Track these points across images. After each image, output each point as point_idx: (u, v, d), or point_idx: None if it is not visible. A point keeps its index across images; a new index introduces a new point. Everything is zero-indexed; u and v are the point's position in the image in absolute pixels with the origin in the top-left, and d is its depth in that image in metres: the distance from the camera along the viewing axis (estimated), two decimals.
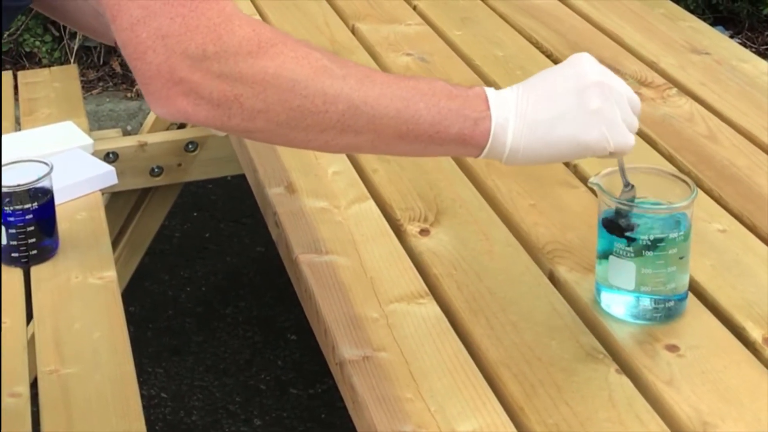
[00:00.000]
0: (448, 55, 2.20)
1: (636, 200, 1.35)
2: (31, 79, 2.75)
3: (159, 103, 1.09)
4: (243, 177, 1.99)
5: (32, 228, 1.87)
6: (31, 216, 1.86)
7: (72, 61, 3.98)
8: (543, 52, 2.22)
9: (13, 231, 1.86)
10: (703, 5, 4.32)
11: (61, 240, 1.94)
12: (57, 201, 1.93)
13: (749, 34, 4.40)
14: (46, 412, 1.61)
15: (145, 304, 2.97)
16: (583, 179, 1.71)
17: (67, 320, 1.79)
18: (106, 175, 2.17)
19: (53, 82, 2.72)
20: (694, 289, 1.44)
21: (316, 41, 2.24)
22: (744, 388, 1.28)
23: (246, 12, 2.36)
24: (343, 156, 1.80)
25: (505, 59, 2.18)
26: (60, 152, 2.22)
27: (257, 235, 3.22)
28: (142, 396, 1.67)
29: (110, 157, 2.55)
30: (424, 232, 1.60)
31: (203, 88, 1.08)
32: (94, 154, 2.29)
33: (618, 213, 1.34)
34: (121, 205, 2.70)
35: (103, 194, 2.18)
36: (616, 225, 1.34)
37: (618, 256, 1.35)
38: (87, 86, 4.01)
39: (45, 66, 3.88)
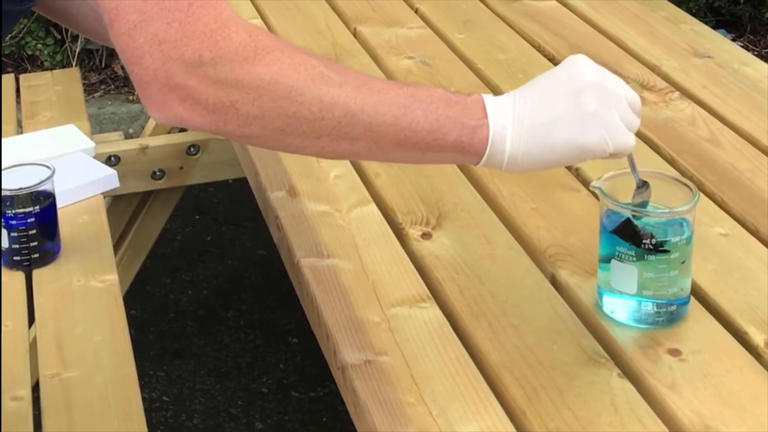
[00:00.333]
0: (450, 59, 2.20)
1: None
2: (33, 82, 2.75)
3: (155, 108, 1.09)
4: (244, 180, 1.99)
5: (34, 231, 1.87)
6: (32, 219, 1.86)
7: (74, 64, 3.99)
8: (545, 56, 2.21)
9: (15, 234, 1.86)
10: (705, 8, 4.32)
11: (63, 243, 1.94)
12: (59, 204, 1.93)
13: (751, 37, 4.40)
14: (48, 416, 1.61)
15: (147, 307, 2.97)
16: (585, 183, 1.71)
17: (68, 323, 1.78)
18: (108, 178, 2.17)
19: (55, 85, 2.72)
20: (697, 293, 1.44)
21: (317, 44, 2.25)
22: (746, 392, 1.27)
23: (248, 15, 2.39)
24: (345, 160, 1.80)
25: (508, 63, 2.18)
26: (62, 155, 2.22)
27: (259, 239, 3.22)
28: (144, 399, 1.67)
29: (112, 160, 2.55)
30: (425, 235, 1.60)
31: (199, 94, 1.08)
32: (96, 157, 2.29)
33: (633, 219, 1.33)
34: (123, 209, 2.70)
35: (104, 197, 2.18)
36: (632, 232, 1.33)
37: (620, 260, 1.35)
38: (89, 89, 4.01)
39: (47, 69, 3.88)
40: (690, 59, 2.19)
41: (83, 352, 1.73)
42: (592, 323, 1.39)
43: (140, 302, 2.95)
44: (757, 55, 3.66)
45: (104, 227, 2.03)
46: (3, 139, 2.30)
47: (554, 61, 2.18)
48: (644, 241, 1.33)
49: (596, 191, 1.37)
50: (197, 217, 3.40)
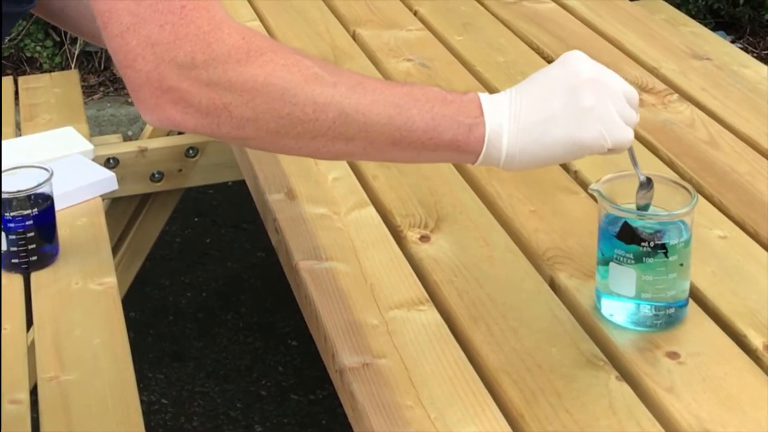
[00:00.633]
0: (449, 61, 2.20)
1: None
2: (32, 84, 2.75)
3: (148, 111, 1.09)
4: (244, 182, 1.98)
5: (32, 234, 1.87)
6: (31, 222, 1.86)
7: (73, 66, 3.99)
8: (544, 58, 2.21)
9: (14, 237, 1.86)
10: (704, 10, 4.32)
11: (62, 246, 1.94)
12: (57, 207, 1.93)
13: (751, 39, 4.39)
14: (46, 419, 1.61)
15: (146, 309, 2.97)
16: (584, 185, 1.70)
17: (67, 326, 1.78)
18: (107, 180, 2.17)
19: (54, 88, 2.72)
20: (695, 295, 1.44)
21: (316, 47, 2.25)
22: (745, 395, 1.27)
23: (246, 17, 2.39)
24: (343, 162, 1.80)
25: (507, 65, 2.18)
26: (60, 158, 2.22)
27: (258, 241, 3.22)
28: (143, 402, 1.67)
29: (111, 162, 2.55)
30: (424, 238, 1.60)
31: (192, 97, 1.07)
32: (95, 159, 2.29)
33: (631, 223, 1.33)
34: (122, 211, 2.70)
35: (103, 200, 2.18)
36: (631, 235, 1.33)
37: (618, 263, 1.35)
38: (88, 91, 4.01)
39: (46, 71, 3.88)
40: (689, 61, 2.19)
41: (81, 354, 1.72)
42: (590, 326, 1.39)
43: (139, 304, 2.95)
44: (756, 57, 3.66)
45: (103, 230, 2.03)
46: (1, 142, 2.30)
47: None
48: (642, 243, 1.32)
49: (595, 194, 1.37)
50: (196, 219, 3.40)
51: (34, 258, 1.89)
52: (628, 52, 2.23)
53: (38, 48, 4.00)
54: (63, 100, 2.65)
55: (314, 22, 2.39)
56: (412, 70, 2.15)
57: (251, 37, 1.09)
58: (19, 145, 2.34)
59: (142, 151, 2.61)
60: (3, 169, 1.87)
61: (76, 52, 4.01)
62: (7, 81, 2.73)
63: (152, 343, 2.85)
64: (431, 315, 1.43)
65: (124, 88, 4.05)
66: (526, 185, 1.71)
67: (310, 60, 1.13)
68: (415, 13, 2.45)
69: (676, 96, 2.03)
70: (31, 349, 1.77)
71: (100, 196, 2.15)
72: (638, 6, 2.47)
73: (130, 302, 2.75)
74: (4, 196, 1.83)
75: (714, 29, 4.01)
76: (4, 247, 1.87)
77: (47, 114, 2.57)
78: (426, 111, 1.17)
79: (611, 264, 1.36)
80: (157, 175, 2.64)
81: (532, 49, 2.26)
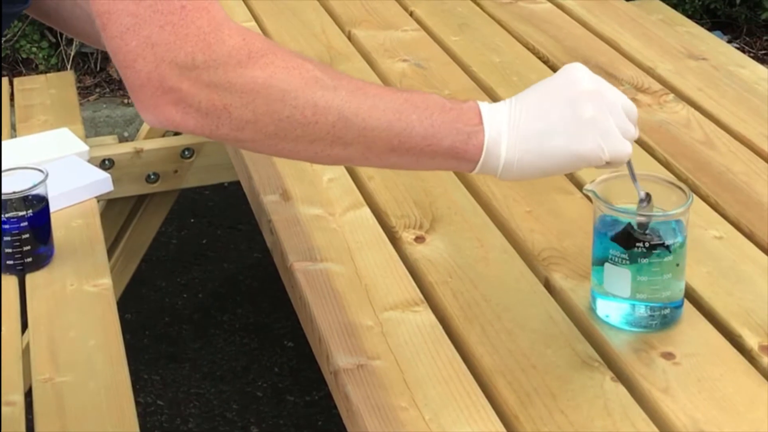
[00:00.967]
0: (445, 61, 2.20)
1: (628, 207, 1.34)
2: (28, 85, 2.75)
3: (148, 111, 1.09)
4: (239, 183, 1.98)
5: (27, 235, 1.87)
6: (26, 223, 1.85)
7: (69, 67, 3.98)
8: (540, 59, 2.21)
9: (8, 238, 1.86)
10: (701, 10, 4.32)
11: (57, 247, 1.93)
12: (52, 208, 1.92)
13: (747, 39, 4.39)
14: (41, 421, 1.61)
15: (142, 310, 2.96)
16: (579, 186, 1.70)
17: (62, 328, 1.78)
18: (102, 182, 2.17)
19: (49, 89, 2.71)
20: (690, 296, 1.44)
21: (312, 48, 2.24)
22: (740, 396, 1.27)
23: (242, 18, 2.39)
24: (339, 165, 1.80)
25: (502, 65, 2.17)
26: (55, 159, 2.22)
27: (254, 242, 3.22)
28: (139, 403, 1.67)
29: (106, 164, 2.55)
30: (419, 239, 1.60)
31: (192, 97, 1.07)
32: (90, 161, 2.29)
33: (637, 225, 1.33)
34: (117, 213, 2.70)
35: (98, 201, 2.18)
36: (633, 239, 1.33)
37: (613, 264, 1.34)
38: (84, 92, 4.01)
39: (42, 72, 3.88)
40: (685, 61, 2.18)
41: (76, 356, 1.72)
42: (585, 327, 1.39)
43: (135, 306, 2.94)
44: (752, 57, 3.66)
45: (98, 231, 2.03)
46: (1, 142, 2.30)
47: (549, 64, 2.18)
48: (638, 244, 1.32)
49: (590, 194, 1.36)
50: (192, 220, 3.40)
51: (29, 259, 1.88)
52: (624, 52, 2.23)
53: (34, 49, 3.99)
54: (58, 101, 2.65)
55: (310, 23, 2.39)
56: (408, 70, 2.15)
57: (252, 38, 1.09)
58: (14, 147, 2.34)
59: (138, 152, 2.61)
60: None
61: (72, 54, 4.01)
62: (3, 82, 2.73)
63: (148, 344, 2.84)
64: (426, 316, 1.42)
65: (120, 89, 4.05)
66: (521, 186, 1.71)
67: (310, 63, 1.13)
68: (411, 14, 2.45)
69: (672, 96, 2.03)
70: (25, 350, 1.77)
71: (96, 197, 2.14)
72: (634, 6, 2.47)
73: (126, 304, 2.75)
74: None
75: (710, 29, 4.01)
76: None
77: (43, 115, 2.56)
78: (425, 117, 1.17)
79: (606, 264, 1.35)
80: (152, 177, 2.64)
81: (528, 49, 2.26)
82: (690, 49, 2.24)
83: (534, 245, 1.56)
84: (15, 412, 1.65)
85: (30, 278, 1.88)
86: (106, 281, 1.88)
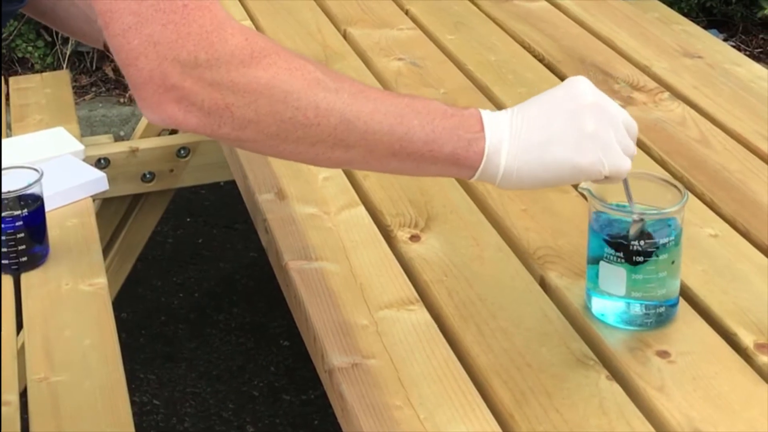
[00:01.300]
0: (441, 60, 2.20)
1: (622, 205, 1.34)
2: (23, 84, 2.74)
3: (150, 109, 1.09)
4: (235, 182, 1.98)
5: (22, 235, 1.86)
6: (21, 223, 1.85)
7: (64, 66, 3.98)
8: (536, 57, 2.21)
9: (3, 238, 1.85)
10: (696, 8, 4.32)
11: (52, 247, 1.93)
12: (47, 207, 1.92)
13: (743, 37, 4.39)
14: (36, 420, 1.60)
15: (138, 310, 2.96)
16: (574, 184, 1.70)
17: (57, 327, 1.78)
18: (98, 181, 2.16)
19: (45, 88, 2.71)
20: (686, 294, 1.44)
21: (307, 46, 2.24)
22: (735, 394, 1.27)
23: (238, 17, 2.39)
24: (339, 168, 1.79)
25: (498, 64, 2.17)
26: (51, 158, 2.21)
27: (250, 241, 3.21)
28: (135, 403, 1.67)
29: (101, 163, 2.55)
30: (414, 238, 1.59)
31: (194, 96, 1.07)
32: (86, 160, 2.28)
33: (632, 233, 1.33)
34: (113, 212, 2.69)
35: (94, 200, 2.18)
36: (628, 244, 1.33)
37: (609, 262, 1.34)
38: (80, 92, 4.00)
39: (37, 71, 3.87)
40: (681, 60, 2.18)
41: (71, 356, 1.72)
42: (580, 325, 1.39)
43: (131, 305, 2.94)
44: (748, 55, 3.66)
45: (93, 230, 2.02)
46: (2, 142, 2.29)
47: (545, 62, 2.18)
48: (632, 242, 1.32)
49: (585, 193, 1.36)
50: (188, 219, 3.40)
51: (24, 259, 1.88)
52: (620, 50, 2.23)
53: (30, 48, 3.99)
54: (54, 100, 2.64)
55: (305, 22, 2.39)
56: (404, 69, 2.15)
57: (254, 38, 1.09)
58: (9, 146, 2.34)
59: (133, 151, 2.61)
60: None
61: (68, 53, 4.00)
62: None
63: (144, 343, 2.84)
64: (421, 315, 1.42)
65: (116, 88, 4.05)
66: None
67: (312, 65, 1.13)
68: (407, 12, 2.45)
69: (667, 94, 2.03)
70: (20, 350, 1.76)
71: (91, 196, 2.14)
72: (630, 4, 2.47)
73: (122, 303, 2.75)
74: None
75: (706, 27, 4.01)
76: None
77: (38, 114, 2.56)
78: (427, 123, 1.18)
79: (601, 263, 1.35)
80: (148, 176, 2.63)
81: (524, 47, 2.26)
82: (686, 47, 2.24)
83: (529, 244, 1.56)
84: (10, 411, 1.65)
85: (25, 278, 1.88)
86: (102, 280, 1.88)
